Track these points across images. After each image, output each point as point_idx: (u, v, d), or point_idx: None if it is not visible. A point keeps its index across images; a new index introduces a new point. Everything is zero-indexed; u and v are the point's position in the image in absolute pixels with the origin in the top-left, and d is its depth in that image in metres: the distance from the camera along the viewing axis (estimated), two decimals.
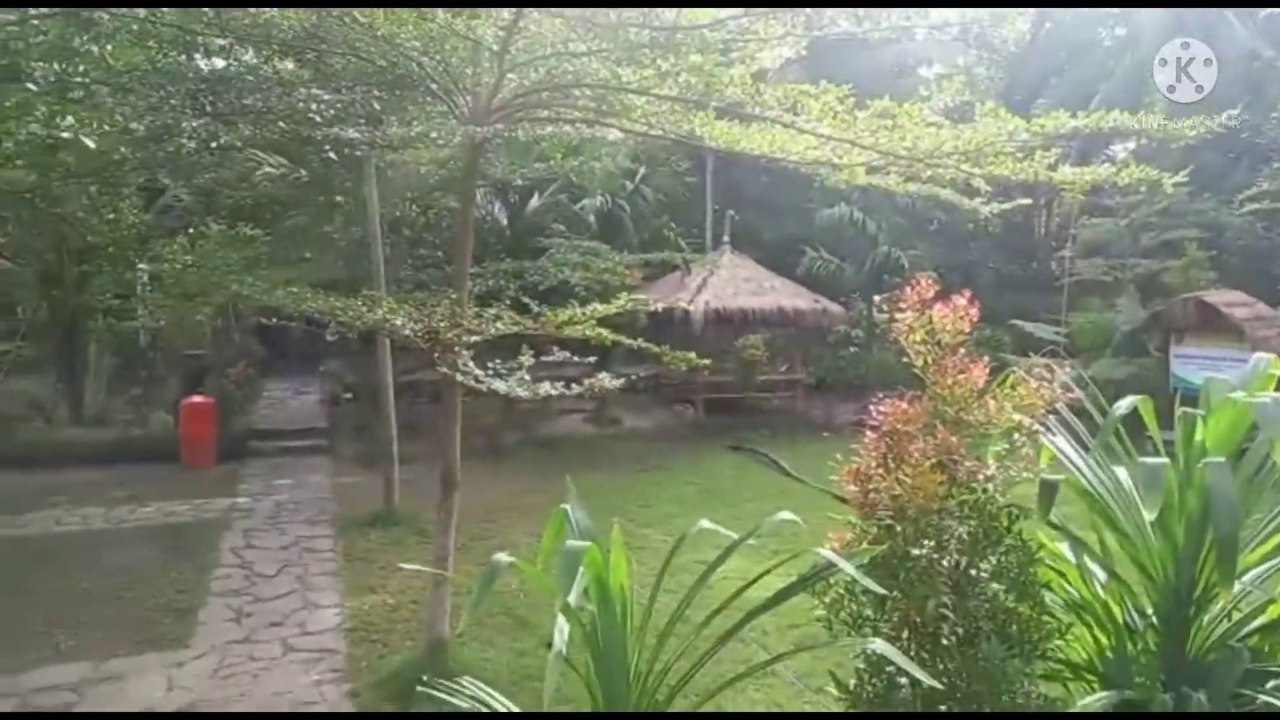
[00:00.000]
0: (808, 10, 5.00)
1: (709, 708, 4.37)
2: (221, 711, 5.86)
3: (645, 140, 7.81)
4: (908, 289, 4.05)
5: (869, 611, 3.77)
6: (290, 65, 6.70)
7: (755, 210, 20.78)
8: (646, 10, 4.97)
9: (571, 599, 3.19)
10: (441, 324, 6.11)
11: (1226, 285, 15.17)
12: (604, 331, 6.66)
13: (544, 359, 6.85)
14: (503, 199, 17.40)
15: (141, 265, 10.87)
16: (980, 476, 3.76)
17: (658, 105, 6.00)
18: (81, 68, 5.41)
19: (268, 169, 12.08)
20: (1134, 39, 20.95)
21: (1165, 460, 3.65)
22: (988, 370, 3.94)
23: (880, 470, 3.80)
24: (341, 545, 9.66)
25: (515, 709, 3.64)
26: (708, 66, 5.08)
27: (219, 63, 7.00)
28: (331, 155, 11.61)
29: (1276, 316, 13.42)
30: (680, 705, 3.73)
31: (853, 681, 3.80)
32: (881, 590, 3.46)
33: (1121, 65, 19.94)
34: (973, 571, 3.66)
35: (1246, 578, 3.82)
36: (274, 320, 10.73)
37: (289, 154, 11.83)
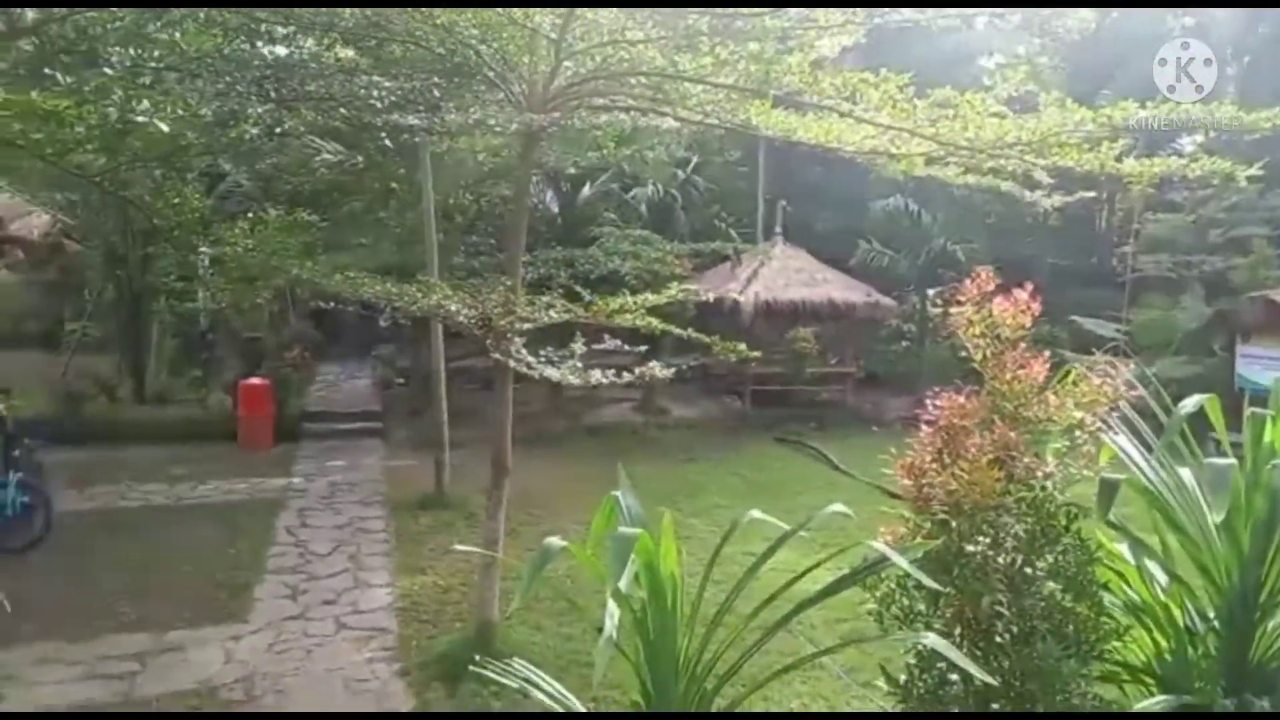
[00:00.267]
0: None
1: (756, 698, 4.37)
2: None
3: (698, 129, 7.77)
4: (967, 282, 3.99)
5: (921, 607, 3.74)
6: (350, 53, 6.81)
7: (807, 201, 20.55)
8: None
9: (622, 585, 3.21)
10: (495, 311, 6.17)
11: None
12: (654, 321, 6.66)
13: (594, 347, 6.88)
14: (555, 187, 17.48)
15: (203, 248, 11.13)
16: (1039, 473, 3.69)
17: (714, 94, 5.97)
18: (156, 53, 5.55)
19: (325, 155, 12.27)
20: (1203, 29, 20.28)
21: (1233, 461, 3.55)
22: (1047, 366, 3.87)
23: (935, 465, 3.76)
24: (393, 526, 9.83)
25: (564, 691, 3.67)
26: (767, 54, 5.04)
27: (281, 50, 7.14)
28: (387, 142, 11.77)
29: None
30: (728, 695, 3.74)
31: (903, 676, 3.76)
32: (935, 585, 3.42)
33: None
34: (1029, 569, 3.60)
35: None
36: (330, 305, 10.92)
37: (346, 141, 12.01)
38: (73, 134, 6.51)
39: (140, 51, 5.43)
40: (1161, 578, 3.90)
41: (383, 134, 10.02)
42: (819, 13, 5.12)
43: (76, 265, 17.16)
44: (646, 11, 5.23)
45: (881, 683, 4.02)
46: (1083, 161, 5.39)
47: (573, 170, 14.82)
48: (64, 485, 10.21)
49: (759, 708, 5.65)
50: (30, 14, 5.08)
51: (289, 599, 7.67)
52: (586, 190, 17.61)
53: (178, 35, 5.61)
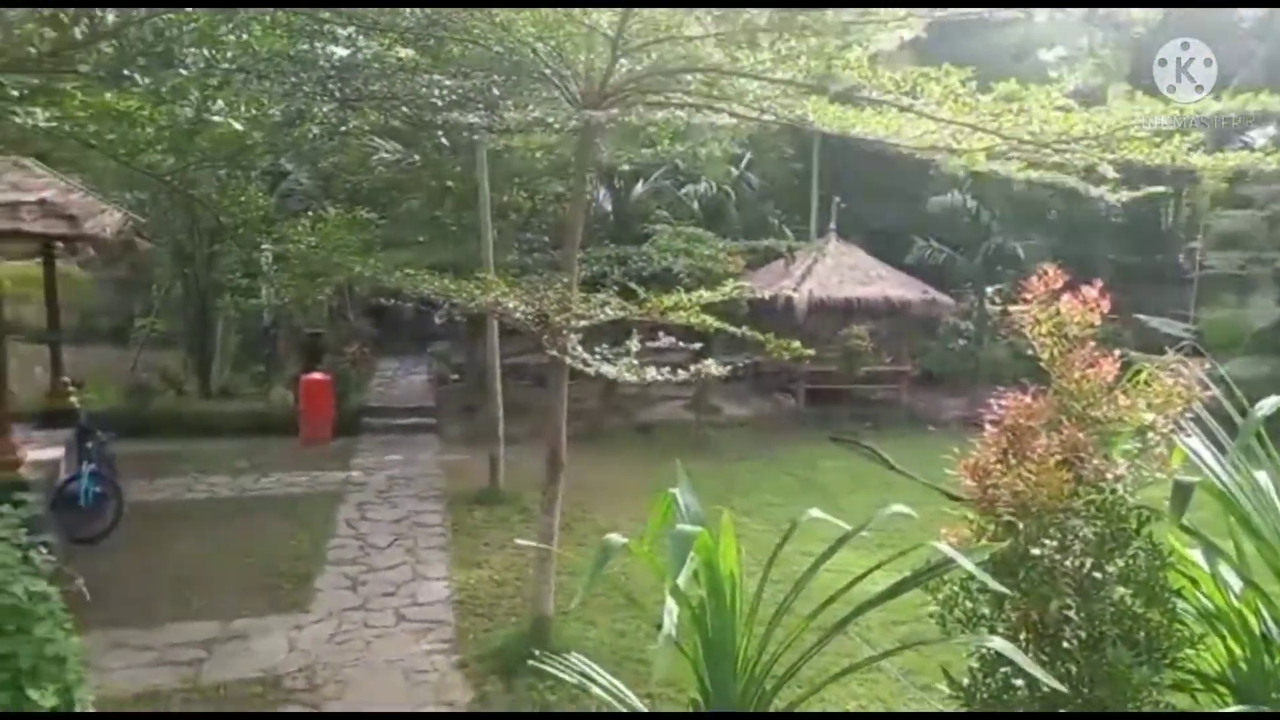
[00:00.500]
0: None
1: (814, 700, 4.34)
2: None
3: (752, 125, 7.73)
4: (1033, 279, 3.91)
5: (985, 610, 3.67)
6: (409, 52, 6.91)
7: (862, 197, 20.30)
8: None
9: (681, 582, 3.21)
10: (552, 308, 6.20)
11: None
12: (707, 318, 6.64)
13: (649, 344, 6.87)
14: (608, 184, 17.52)
15: (266, 246, 11.42)
16: (1109, 475, 3.60)
17: (770, 89, 5.93)
18: (229, 54, 5.70)
19: (384, 154, 12.49)
20: (1276, 19, 19.57)
21: None
22: (1117, 366, 3.78)
23: (1000, 465, 3.69)
24: (449, 520, 9.95)
25: (622, 687, 3.68)
26: (827, 49, 4.99)
27: (342, 51, 7.28)
28: (444, 140, 11.93)
29: None
30: (786, 696, 3.72)
31: (966, 680, 3.70)
32: (1001, 589, 3.36)
33: (1261, 48, 18.66)
34: (1098, 574, 3.51)
35: None
36: (390, 301, 11.08)
37: (403, 139, 12.21)
38: (144, 134, 6.72)
39: (214, 53, 5.58)
40: (1236, 584, 3.78)
41: (439, 132, 10.15)
42: (880, 7, 5.05)
43: (146, 263, 17.63)
44: (708, 7, 5.21)
45: (941, 686, 3.96)
46: (1153, 155, 5.23)
47: (626, 167, 14.86)
48: (133, 477, 10.51)
49: (816, 709, 5.60)
50: (110, 17, 5.25)
51: (349, 590, 7.82)
52: (639, 187, 17.63)
53: (246, 36, 5.75)
